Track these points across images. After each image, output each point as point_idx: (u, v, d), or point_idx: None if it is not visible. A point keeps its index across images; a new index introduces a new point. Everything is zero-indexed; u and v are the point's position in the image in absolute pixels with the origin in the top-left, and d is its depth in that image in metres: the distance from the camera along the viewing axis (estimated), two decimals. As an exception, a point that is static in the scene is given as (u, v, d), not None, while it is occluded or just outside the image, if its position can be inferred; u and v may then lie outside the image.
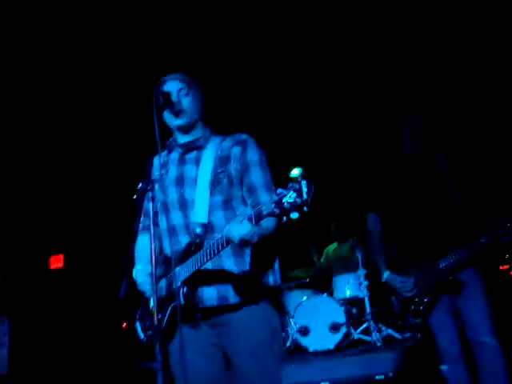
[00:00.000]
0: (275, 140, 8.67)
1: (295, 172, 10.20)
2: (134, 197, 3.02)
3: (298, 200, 2.19)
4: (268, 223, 2.57)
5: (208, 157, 2.88)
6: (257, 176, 2.83)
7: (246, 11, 6.30)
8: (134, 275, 2.89)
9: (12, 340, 8.20)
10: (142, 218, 3.08)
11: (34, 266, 9.49)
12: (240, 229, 2.39)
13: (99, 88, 7.12)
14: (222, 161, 2.85)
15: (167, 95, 2.81)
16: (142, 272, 2.84)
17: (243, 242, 2.44)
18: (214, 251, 2.54)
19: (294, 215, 2.21)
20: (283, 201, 2.22)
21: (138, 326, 2.91)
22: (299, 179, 2.22)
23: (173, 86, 2.92)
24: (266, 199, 2.52)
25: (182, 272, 2.67)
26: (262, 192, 2.79)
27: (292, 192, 2.21)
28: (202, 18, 6.30)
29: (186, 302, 2.63)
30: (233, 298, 2.70)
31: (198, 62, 6.09)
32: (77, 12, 5.91)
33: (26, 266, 9.20)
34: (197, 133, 3.00)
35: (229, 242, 2.47)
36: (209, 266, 2.66)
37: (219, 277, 2.71)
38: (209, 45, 6.69)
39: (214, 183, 2.80)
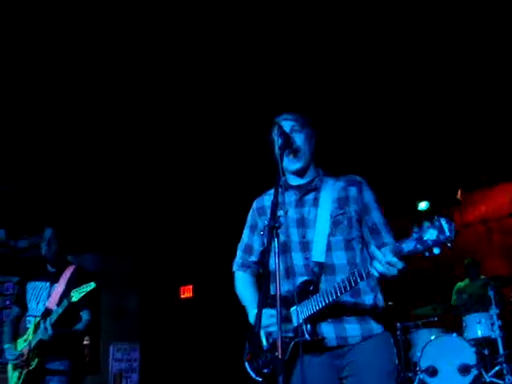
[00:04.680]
0: (402, 173, 8.63)
1: (422, 205, 10.01)
2: (261, 232, 3.14)
3: (442, 236, 2.32)
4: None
5: (326, 198, 2.93)
6: (378, 217, 2.93)
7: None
8: (250, 318, 2.98)
9: (142, 366, 8.53)
10: (242, 254, 3.21)
11: (166, 296, 9.92)
12: (383, 260, 2.47)
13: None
14: (341, 202, 2.91)
15: (286, 136, 2.88)
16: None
17: (382, 276, 2.53)
18: (350, 284, 2.59)
19: (437, 250, 2.35)
20: (425, 238, 2.35)
21: (248, 367, 2.95)
22: (437, 217, 2.36)
23: (286, 126, 2.97)
24: (390, 239, 2.83)
25: (305, 309, 2.73)
26: (385, 233, 2.90)
27: (432, 230, 2.35)
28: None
29: (311, 339, 2.69)
30: (352, 338, 2.76)
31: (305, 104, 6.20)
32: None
33: (158, 295, 9.64)
34: (310, 174, 3.05)
35: (368, 275, 2.55)
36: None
37: (337, 316, 2.76)
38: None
39: (335, 224, 2.86)
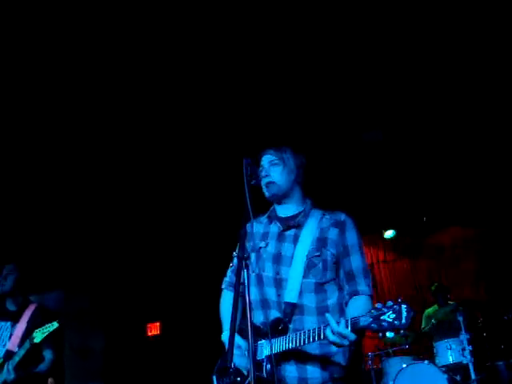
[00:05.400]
0: (369, 201, 8.68)
1: (389, 233, 10.07)
2: (231, 265, 3.19)
3: (397, 323, 2.37)
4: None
5: (306, 237, 2.95)
6: (356, 262, 2.92)
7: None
8: (222, 337, 3.02)
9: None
10: (230, 274, 3.27)
11: (132, 333, 9.70)
12: (336, 330, 2.48)
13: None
14: (319, 243, 2.92)
15: (262, 169, 3.02)
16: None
17: (335, 344, 2.54)
18: (309, 339, 2.60)
19: (390, 334, 2.40)
20: (381, 318, 2.39)
21: (214, 379, 2.96)
22: (399, 301, 2.41)
23: (265, 160, 3.08)
24: (364, 288, 2.85)
25: (268, 347, 2.74)
26: (360, 279, 2.89)
27: (391, 312, 2.39)
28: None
29: (267, 377, 2.69)
30: (312, 380, 2.77)
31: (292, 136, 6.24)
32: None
33: (124, 333, 9.42)
34: (294, 205, 3.09)
35: (325, 338, 2.54)
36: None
37: (300, 357, 2.77)
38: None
39: (309, 266, 2.87)
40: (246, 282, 2.53)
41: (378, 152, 7.90)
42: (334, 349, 2.77)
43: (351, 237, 2.95)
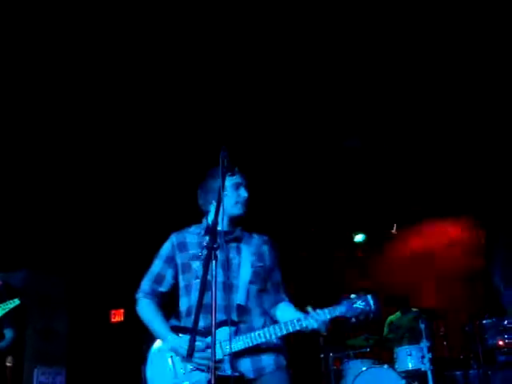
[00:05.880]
0: (340, 205, 8.73)
1: (358, 237, 10.17)
2: (200, 254, 3.16)
3: (368, 308, 2.90)
4: None
5: (247, 249, 3.23)
6: (279, 276, 3.35)
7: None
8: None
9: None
10: (150, 283, 3.29)
11: (97, 319, 9.64)
12: (319, 319, 2.91)
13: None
14: (260, 257, 3.25)
15: (240, 186, 3.22)
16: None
17: (313, 331, 2.94)
18: (282, 331, 2.94)
19: (362, 317, 2.90)
20: (354, 306, 2.90)
21: None
22: (363, 293, 2.92)
23: (243, 180, 3.25)
24: (286, 297, 3.30)
25: (226, 347, 2.89)
26: (282, 289, 3.34)
27: (361, 301, 2.91)
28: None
29: (232, 374, 2.84)
30: (268, 367, 3.03)
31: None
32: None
33: (89, 317, 9.37)
34: (232, 224, 3.26)
35: (302, 329, 2.92)
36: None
37: (254, 351, 2.99)
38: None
39: (255, 274, 3.17)
40: (214, 272, 2.59)
41: (352, 158, 7.97)
42: (276, 340, 3.04)
43: (276, 255, 3.34)
